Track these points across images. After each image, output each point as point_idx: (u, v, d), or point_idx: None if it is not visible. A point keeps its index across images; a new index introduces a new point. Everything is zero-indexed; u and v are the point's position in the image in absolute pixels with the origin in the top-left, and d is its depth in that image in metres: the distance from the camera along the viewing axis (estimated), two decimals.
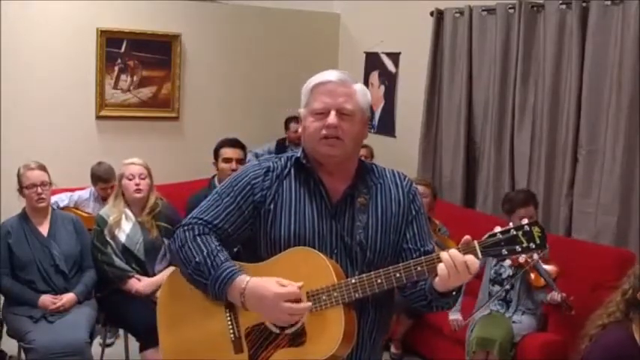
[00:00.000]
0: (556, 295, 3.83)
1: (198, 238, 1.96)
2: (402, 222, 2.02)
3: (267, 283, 1.87)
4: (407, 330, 4.69)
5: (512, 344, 3.95)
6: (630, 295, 2.32)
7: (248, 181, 2.00)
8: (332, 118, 1.93)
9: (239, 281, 1.89)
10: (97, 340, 4.04)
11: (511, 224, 1.84)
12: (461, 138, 5.38)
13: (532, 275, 3.94)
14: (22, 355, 3.71)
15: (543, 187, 4.75)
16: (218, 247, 1.95)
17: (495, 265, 4.15)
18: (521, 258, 3.85)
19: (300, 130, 2.06)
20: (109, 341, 4.31)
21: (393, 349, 4.76)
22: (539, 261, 3.90)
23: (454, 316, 4.19)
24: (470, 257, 1.79)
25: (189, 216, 2.04)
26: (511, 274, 4.08)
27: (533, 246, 1.81)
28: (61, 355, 3.47)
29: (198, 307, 2.01)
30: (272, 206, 1.98)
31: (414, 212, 2.04)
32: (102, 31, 5.66)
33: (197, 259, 1.93)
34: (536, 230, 1.81)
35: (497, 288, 4.14)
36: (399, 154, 5.97)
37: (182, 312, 2.05)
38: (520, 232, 1.81)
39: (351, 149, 1.99)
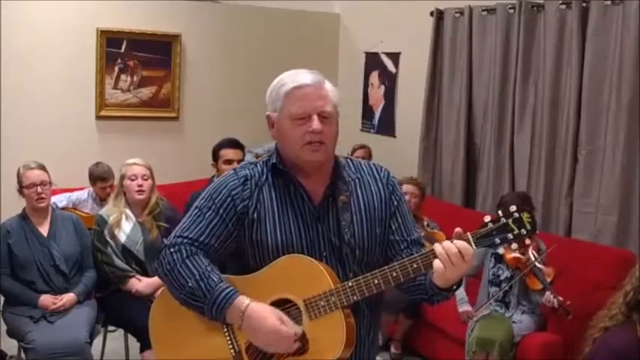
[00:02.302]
0: (552, 298, 3.83)
1: (187, 261, 1.91)
2: (385, 214, 2.00)
3: (268, 314, 1.84)
4: (407, 330, 4.69)
5: (513, 344, 3.95)
6: (632, 297, 2.31)
7: (228, 192, 1.95)
8: (317, 123, 1.89)
9: (238, 303, 1.86)
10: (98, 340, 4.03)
11: (500, 213, 1.83)
12: (461, 138, 5.38)
13: (528, 279, 3.94)
14: (22, 355, 3.71)
15: (543, 187, 4.75)
16: (209, 268, 1.90)
17: (493, 267, 4.15)
18: (516, 255, 3.88)
19: (272, 133, 2.01)
20: (111, 328, 4.27)
21: (393, 349, 4.75)
22: (537, 264, 3.90)
23: (463, 307, 4.18)
24: (462, 244, 1.78)
25: (173, 235, 1.98)
26: (509, 275, 4.07)
27: (525, 232, 1.80)
28: (60, 355, 3.47)
29: (195, 325, 1.96)
30: (255, 215, 1.94)
31: (395, 203, 2.02)
32: (102, 31, 5.66)
33: (190, 284, 1.88)
34: (525, 216, 1.80)
35: (494, 289, 4.14)
36: (399, 154, 5.97)
37: (178, 330, 2.00)
38: (510, 220, 1.80)
39: (332, 150, 1.97)
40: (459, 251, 1.77)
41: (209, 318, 1.90)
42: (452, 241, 1.79)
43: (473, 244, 1.80)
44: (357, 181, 2.02)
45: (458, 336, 4.18)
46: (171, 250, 1.94)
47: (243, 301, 1.86)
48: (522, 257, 3.93)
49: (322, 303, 1.85)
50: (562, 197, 4.63)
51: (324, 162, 1.96)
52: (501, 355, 3.86)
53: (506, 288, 4.05)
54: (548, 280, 3.90)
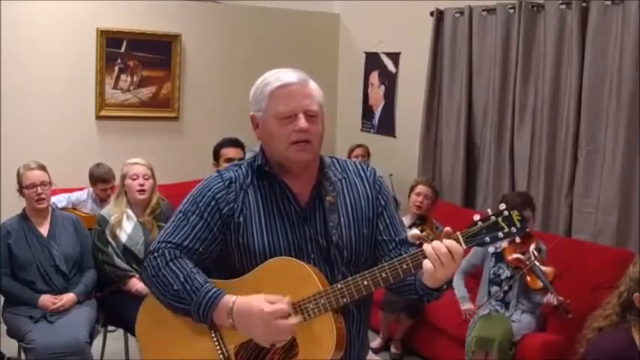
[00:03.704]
0: (552, 299, 3.83)
1: (171, 264, 1.88)
2: (372, 215, 1.98)
3: (255, 302, 1.81)
4: (407, 330, 4.69)
5: (512, 344, 3.95)
6: (625, 297, 2.31)
7: (212, 195, 1.92)
8: (303, 122, 1.86)
9: (224, 302, 1.83)
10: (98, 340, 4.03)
11: (489, 211, 1.82)
12: (461, 138, 5.39)
13: (529, 278, 3.95)
14: (22, 355, 3.70)
15: (543, 187, 4.75)
16: (194, 270, 1.87)
17: (494, 266, 4.15)
18: (517, 257, 3.91)
19: (257, 134, 1.97)
20: (111, 328, 4.27)
21: (393, 349, 4.75)
22: (537, 263, 3.91)
23: (466, 305, 4.15)
24: (451, 243, 1.76)
25: (157, 240, 1.95)
26: (509, 274, 4.08)
27: (515, 230, 1.78)
28: (60, 355, 3.47)
29: (183, 331, 1.93)
30: (241, 218, 1.90)
31: (382, 202, 2.00)
32: (102, 31, 5.66)
33: (175, 287, 1.85)
34: (515, 214, 1.79)
35: (495, 289, 4.14)
36: (399, 154, 5.97)
37: (166, 337, 1.97)
38: (500, 218, 1.79)
39: (318, 150, 1.94)
40: (449, 251, 1.76)
41: (195, 321, 1.87)
42: (441, 241, 1.77)
43: (462, 243, 1.79)
44: (343, 181, 2.00)
45: (458, 336, 4.18)
46: (155, 254, 1.92)
47: (229, 299, 1.83)
48: (523, 256, 3.94)
49: (311, 305, 1.82)
50: (562, 197, 4.63)
51: (310, 162, 1.93)
52: (500, 354, 3.86)
53: (506, 288, 4.06)
54: (549, 279, 3.91)
